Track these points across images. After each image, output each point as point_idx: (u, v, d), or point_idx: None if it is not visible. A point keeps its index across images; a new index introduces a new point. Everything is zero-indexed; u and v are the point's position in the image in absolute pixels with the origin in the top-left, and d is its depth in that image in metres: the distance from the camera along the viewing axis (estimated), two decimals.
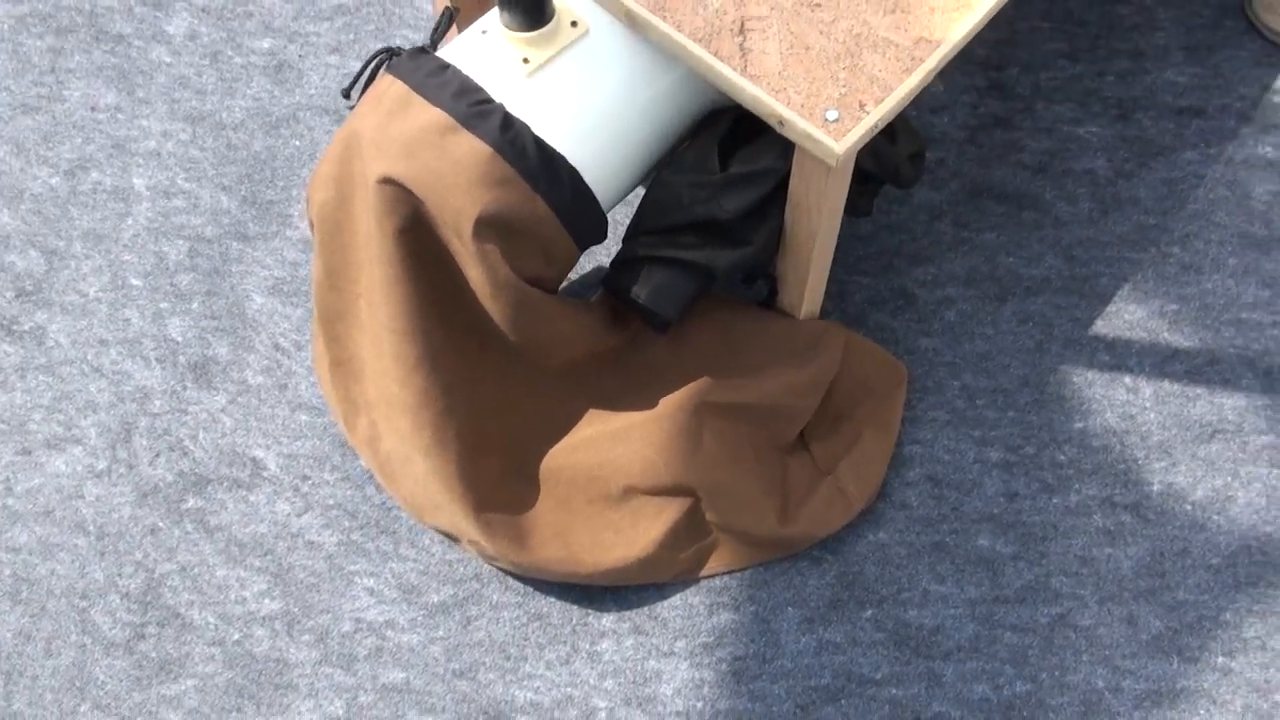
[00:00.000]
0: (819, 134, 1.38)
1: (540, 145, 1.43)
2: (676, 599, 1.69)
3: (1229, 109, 2.04)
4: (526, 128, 1.43)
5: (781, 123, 1.40)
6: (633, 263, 1.57)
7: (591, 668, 1.65)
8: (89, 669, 1.65)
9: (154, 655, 1.66)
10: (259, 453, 1.78)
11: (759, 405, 1.64)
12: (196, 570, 1.71)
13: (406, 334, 1.48)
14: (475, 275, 1.47)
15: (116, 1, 2.06)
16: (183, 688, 1.64)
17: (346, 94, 1.53)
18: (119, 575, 1.70)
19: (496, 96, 1.44)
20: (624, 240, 1.59)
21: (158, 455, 1.77)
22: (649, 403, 1.63)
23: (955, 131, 1.99)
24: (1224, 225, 1.95)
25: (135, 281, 1.88)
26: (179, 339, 1.85)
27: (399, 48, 1.51)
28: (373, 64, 1.54)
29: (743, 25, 1.45)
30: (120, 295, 1.87)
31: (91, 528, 1.73)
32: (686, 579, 1.68)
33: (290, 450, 1.77)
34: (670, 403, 1.61)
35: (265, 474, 1.77)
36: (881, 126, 1.41)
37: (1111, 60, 2.07)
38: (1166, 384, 1.84)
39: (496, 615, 1.67)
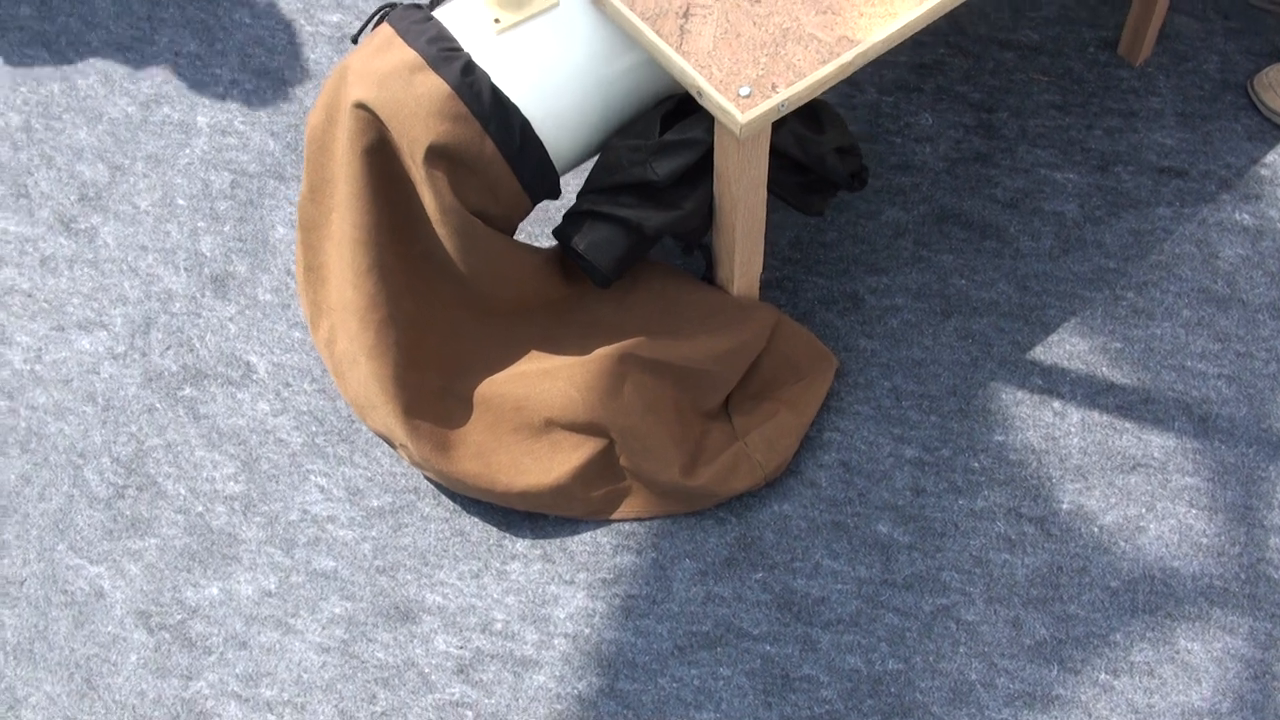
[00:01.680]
0: (729, 105, 1.54)
1: (496, 93, 1.63)
2: (586, 535, 1.83)
3: (1212, 174, 2.12)
4: (486, 76, 1.63)
5: (700, 93, 1.57)
6: (578, 216, 1.75)
7: (498, 584, 1.80)
8: (72, 516, 1.87)
9: (128, 513, 1.88)
10: (253, 358, 2.00)
11: (682, 366, 1.79)
12: (179, 448, 1.93)
13: (362, 243, 1.68)
14: (427, 199, 1.67)
15: None
16: (146, 544, 1.85)
17: (355, 40, 1.76)
18: (114, 442, 1.93)
19: (466, 47, 1.65)
20: (577, 196, 1.77)
21: (168, 348, 2.01)
22: (584, 350, 1.79)
23: (935, 162, 2.12)
24: (1185, 279, 2.02)
25: (181, 202, 2.14)
26: (207, 254, 2.09)
27: (398, 3, 1.74)
28: (376, 15, 1.77)
29: (688, 10, 1.63)
30: (166, 211, 2.13)
31: (100, 399, 1.97)
32: (598, 519, 1.82)
33: (280, 360, 1.99)
34: (601, 351, 1.77)
35: (254, 376, 1.98)
36: (790, 108, 1.56)
37: (1102, 116, 2.17)
38: (1096, 414, 1.92)
39: (424, 526, 1.84)
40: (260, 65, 2.26)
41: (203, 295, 2.06)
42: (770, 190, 1.78)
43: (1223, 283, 2.02)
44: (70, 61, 2.29)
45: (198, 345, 2.01)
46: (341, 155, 1.67)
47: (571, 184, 2.11)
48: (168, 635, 1.80)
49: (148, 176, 2.17)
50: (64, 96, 2.26)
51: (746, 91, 1.56)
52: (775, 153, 1.71)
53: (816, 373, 1.87)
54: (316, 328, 1.83)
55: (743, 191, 1.67)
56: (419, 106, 1.61)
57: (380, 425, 1.78)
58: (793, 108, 1.58)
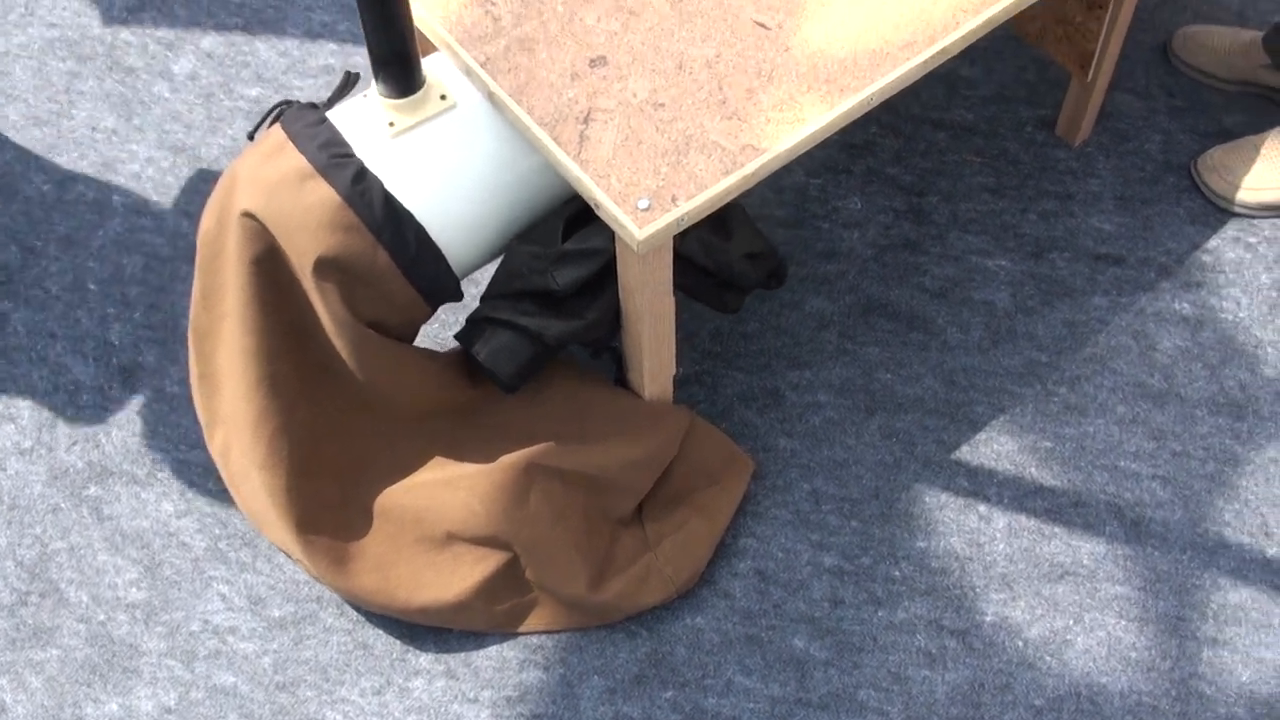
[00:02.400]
0: (626, 219, 1.48)
1: (389, 201, 1.57)
2: (492, 650, 1.77)
3: (1150, 261, 2.06)
4: (379, 183, 1.57)
5: (598, 206, 1.51)
6: (479, 322, 1.69)
7: (400, 701, 1.74)
8: None
9: (31, 622, 1.82)
10: (159, 455, 1.94)
11: (591, 474, 1.73)
12: (82, 552, 1.87)
13: (252, 353, 1.62)
14: (319, 311, 1.61)
15: (134, 38, 2.29)
16: (48, 655, 1.79)
17: (250, 136, 1.70)
18: (19, 545, 1.87)
19: (359, 152, 1.59)
20: (480, 299, 1.71)
21: (75, 443, 1.95)
22: (490, 456, 1.73)
23: (862, 249, 2.06)
24: (1120, 373, 1.97)
25: (92, 286, 2.08)
26: (117, 343, 2.03)
27: (295, 101, 1.68)
28: (273, 113, 1.71)
29: (589, 115, 1.57)
30: (77, 297, 2.07)
31: (6, 498, 1.91)
32: (504, 632, 1.77)
33: (184, 457, 1.93)
34: (506, 459, 1.71)
35: (160, 475, 1.92)
36: (691, 221, 1.51)
37: (1037, 200, 2.11)
38: (1023, 518, 1.86)
39: (326, 638, 1.78)
40: (177, 141, 2.20)
41: (110, 387, 2.00)
42: (681, 290, 1.72)
43: (1160, 376, 1.97)
44: None
45: (104, 441, 1.95)
46: (231, 264, 1.61)
47: (486, 274, 2.06)
48: None
49: (59, 259, 2.11)
50: None
51: (645, 204, 1.50)
52: (681, 258, 1.65)
53: (731, 477, 1.81)
54: (211, 437, 1.77)
55: (647, 302, 1.61)
56: (308, 217, 1.55)
57: (276, 539, 1.72)
58: (694, 220, 1.52)
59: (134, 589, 1.84)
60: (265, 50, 2.28)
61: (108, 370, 2.01)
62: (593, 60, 1.62)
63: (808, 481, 1.87)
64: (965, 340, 1.98)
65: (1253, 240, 2.10)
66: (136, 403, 1.98)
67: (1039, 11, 2.06)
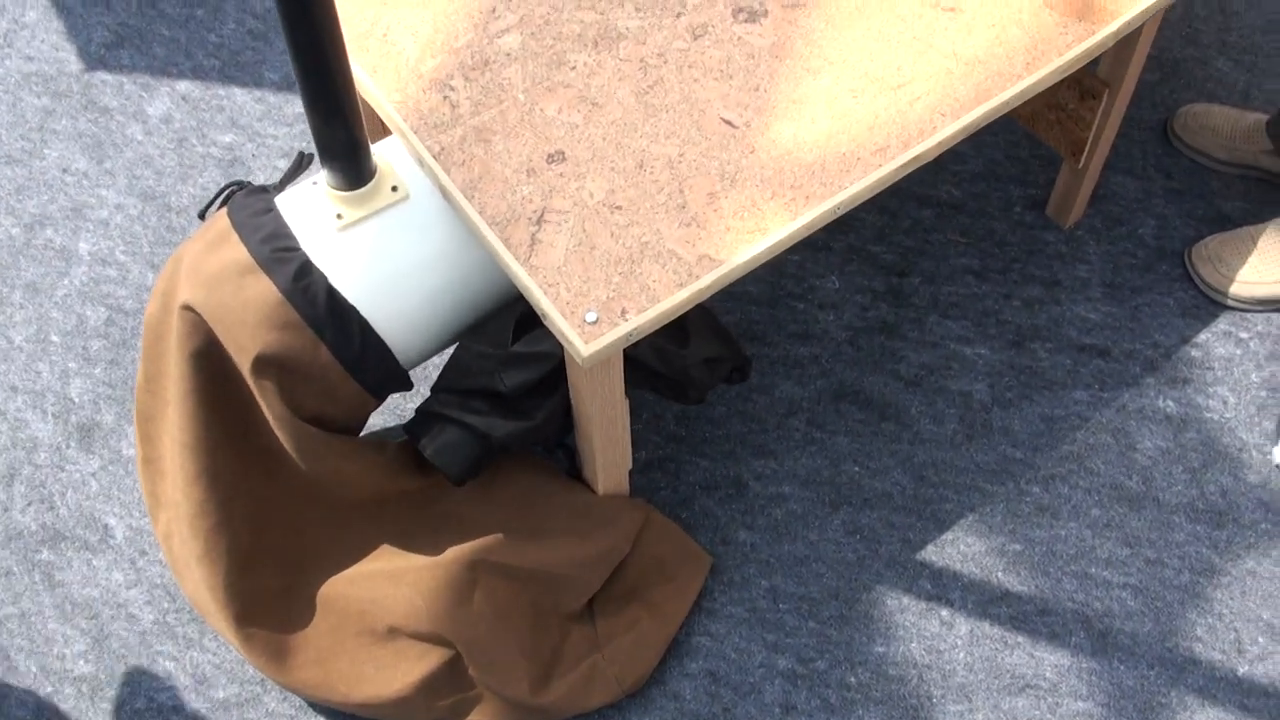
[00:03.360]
0: (572, 334, 1.43)
1: (332, 296, 1.53)
2: None
3: (1136, 354, 2.00)
4: (322, 278, 1.52)
5: (544, 315, 1.46)
6: (428, 416, 1.64)
7: None
8: None
9: None
10: (111, 520, 1.91)
11: (540, 571, 1.69)
12: (33, 619, 1.84)
13: (190, 447, 1.59)
14: (260, 405, 1.57)
15: (111, 76, 2.25)
16: None
17: (201, 215, 1.65)
18: None
19: (305, 246, 1.54)
20: (430, 392, 1.66)
21: (30, 504, 1.92)
22: (437, 549, 1.69)
23: (837, 331, 2.00)
24: (1097, 473, 1.91)
25: (55, 338, 2.05)
26: (76, 399, 2.00)
27: (246, 183, 1.63)
28: (224, 194, 1.67)
29: (542, 216, 1.52)
30: (39, 348, 2.04)
31: None
32: None
33: (138, 525, 1.90)
34: (452, 553, 1.67)
35: (111, 542, 1.89)
36: (641, 335, 1.45)
37: (1023, 285, 2.05)
38: (986, 625, 1.81)
39: None
40: (147, 188, 2.16)
41: (67, 446, 1.97)
42: (636, 388, 1.67)
43: (1138, 479, 1.91)
44: None
45: (58, 503, 1.92)
46: (172, 355, 1.57)
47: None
48: None
49: (24, 308, 2.08)
50: None
51: (593, 317, 1.45)
52: (634, 361, 1.60)
53: (687, 575, 1.77)
54: (156, 520, 1.74)
55: (596, 408, 1.56)
56: (246, 313, 1.51)
57: (217, 629, 1.69)
58: (644, 334, 1.47)
59: (82, 661, 1.81)
60: (241, 95, 2.23)
61: (66, 428, 1.98)
62: (551, 155, 1.57)
63: (766, 578, 1.82)
64: (938, 433, 1.93)
65: (1244, 336, 2.03)
66: (93, 464, 1.95)
67: None
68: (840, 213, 1.55)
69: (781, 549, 1.84)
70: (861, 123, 1.59)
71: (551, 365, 1.56)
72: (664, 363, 1.59)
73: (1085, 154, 1.94)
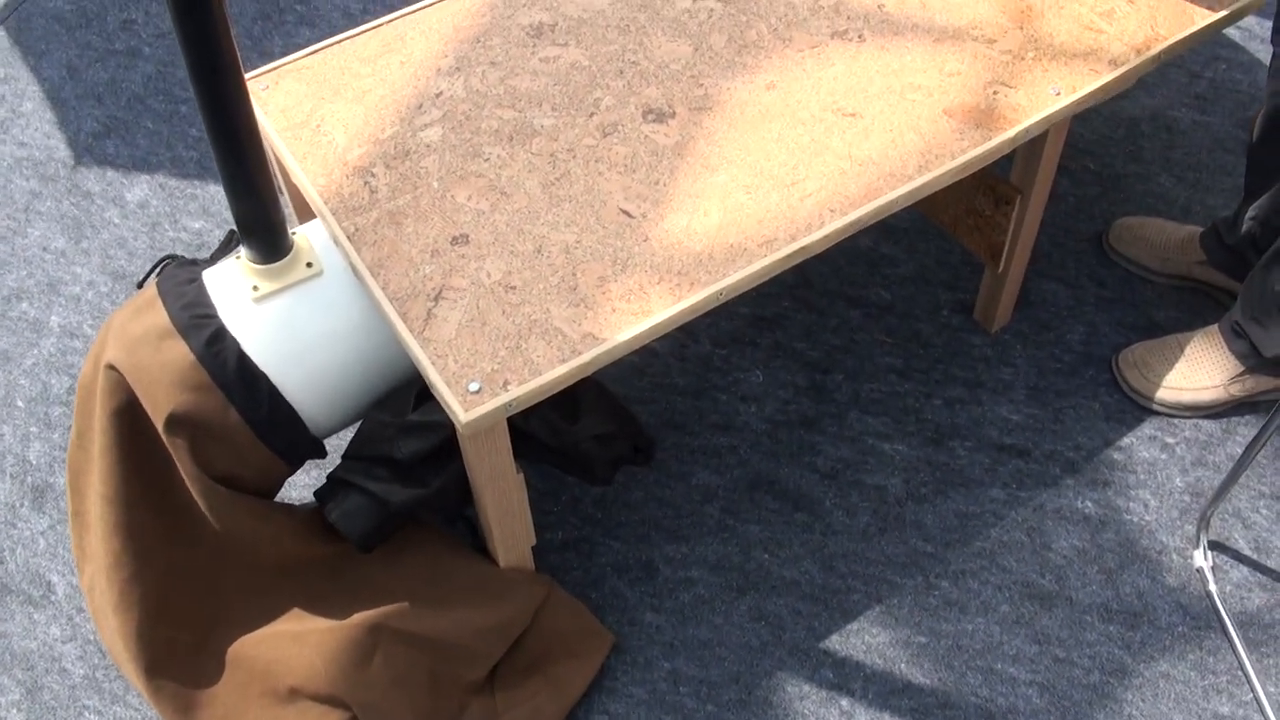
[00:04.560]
0: (453, 402, 1.51)
1: (243, 362, 1.62)
2: None
3: (1057, 456, 2.03)
4: (235, 344, 1.62)
5: (431, 385, 1.54)
6: (334, 482, 1.72)
7: None
8: None
9: None
10: (54, 577, 1.99)
11: (440, 640, 1.74)
12: None
13: (110, 500, 1.67)
14: (177, 464, 1.65)
15: (96, 164, 2.40)
16: None
17: (139, 285, 1.76)
18: None
19: (222, 314, 1.64)
20: (341, 457, 1.74)
21: None
22: (345, 613, 1.75)
23: (757, 423, 2.06)
24: (1009, 570, 1.93)
25: (20, 404, 2.16)
26: (33, 461, 2.10)
27: (180, 256, 1.74)
28: (159, 266, 1.78)
29: (440, 293, 1.61)
30: (4, 412, 2.15)
31: None
32: None
33: (77, 583, 1.98)
34: (356, 618, 1.72)
35: (52, 597, 1.97)
36: (521, 406, 1.52)
37: (945, 385, 2.09)
38: (886, 716, 1.82)
39: None
40: (118, 268, 2.29)
41: (21, 505, 2.06)
42: (536, 463, 1.73)
43: (1051, 577, 1.92)
44: None
45: (7, 558, 2.01)
46: (97, 412, 1.67)
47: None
48: None
49: None
50: None
51: (475, 388, 1.52)
52: (527, 436, 1.67)
53: (588, 651, 1.81)
54: (81, 571, 1.82)
55: (485, 478, 1.63)
56: (162, 374, 1.60)
57: (130, 679, 1.76)
58: (525, 405, 1.54)
59: (15, 710, 1.88)
60: (214, 186, 2.37)
61: (21, 488, 2.08)
62: (455, 238, 1.66)
63: (669, 660, 1.86)
64: (850, 525, 1.96)
65: (1170, 440, 2.06)
66: (42, 523, 2.04)
67: (950, 200, 2.06)
68: (723, 299, 1.62)
69: (686, 632, 1.88)
70: (752, 216, 1.67)
71: (444, 435, 1.63)
72: (555, 437, 1.66)
73: (1004, 258, 2.00)
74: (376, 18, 2.56)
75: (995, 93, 1.79)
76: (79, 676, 1.90)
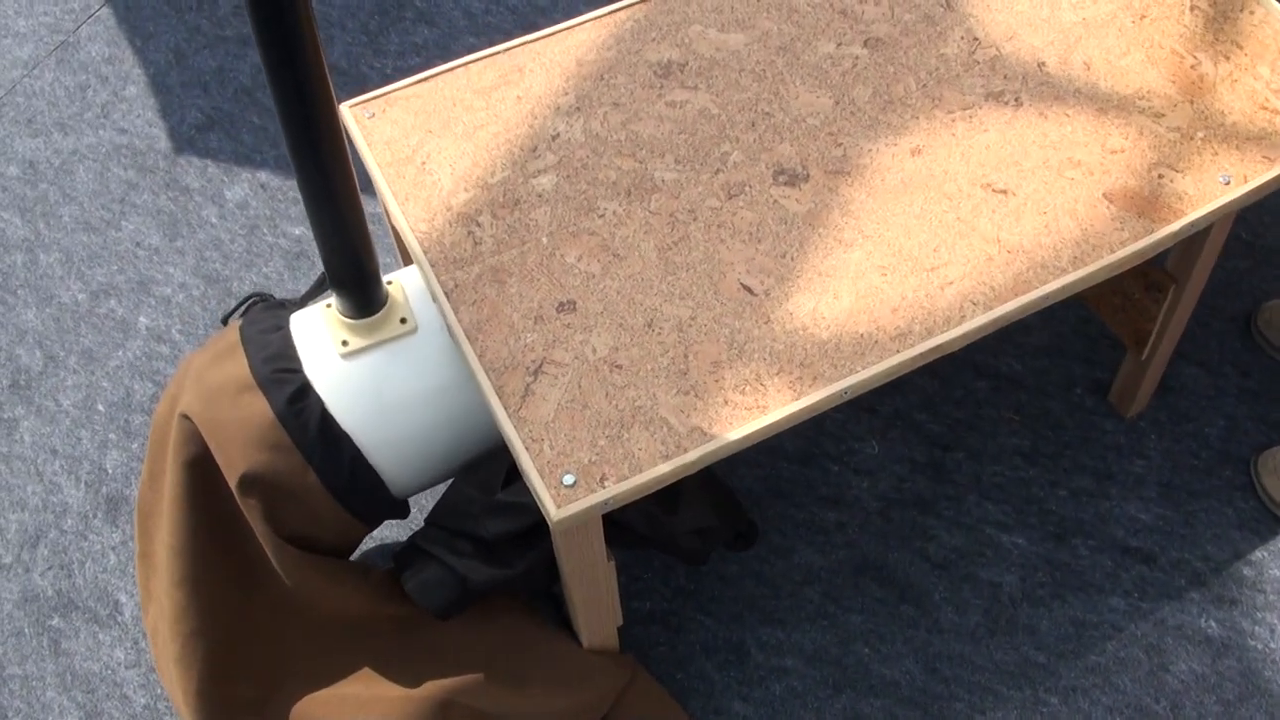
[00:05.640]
0: (546, 496, 1.39)
1: (326, 423, 1.52)
2: None
3: (1184, 565, 1.86)
4: (319, 404, 1.52)
5: (524, 472, 1.43)
6: (414, 550, 1.62)
7: None
8: None
9: None
10: (123, 597, 1.93)
11: (513, 719, 1.64)
12: (34, 684, 1.87)
13: (176, 551, 1.59)
14: (247, 520, 1.57)
15: (196, 157, 2.31)
16: None
17: (224, 320, 1.67)
18: None
19: (307, 369, 1.54)
20: (424, 522, 1.64)
21: (50, 568, 1.96)
22: (415, 680, 1.66)
23: (869, 500, 1.92)
24: (1122, 691, 1.78)
25: (100, 408, 2.10)
26: (110, 471, 2.04)
27: (268, 296, 1.65)
28: (247, 303, 1.68)
29: (540, 367, 1.49)
30: (84, 415, 2.09)
31: None
32: None
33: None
34: (426, 689, 1.63)
35: (119, 619, 1.92)
36: (614, 505, 1.41)
37: (1073, 475, 1.94)
38: None
39: None
40: (213, 271, 2.21)
41: (94, 516, 2.00)
42: (625, 549, 1.62)
43: (1166, 704, 1.77)
44: (38, 233, 2.28)
45: (76, 572, 1.96)
46: (169, 459, 1.58)
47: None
48: None
49: (77, 373, 2.13)
50: (24, 270, 2.24)
51: (570, 481, 1.41)
52: (620, 525, 1.56)
53: None
54: (146, 612, 1.75)
55: (575, 568, 1.52)
56: (239, 431, 1.51)
57: None
58: (621, 504, 1.42)
59: None
60: None
61: (96, 498, 2.02)
62: (562, 304, 1.54)
63: None
64: (959, 623, 1.82)
65: None
66: (115, 537, 1.98)
67: None
68: (847, 397, 1.48)
69: None
70: (886, 303, 1.52)
71: (535, 518, 1.52)
72: (651, 528, 1.54)
73: (1149, 347, 1.84)
74: (497, 19, 2.44)
75: (1160, 176, 1.61)
76: (139, 706, 1.84)
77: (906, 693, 1.78)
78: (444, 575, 1.59)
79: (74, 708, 1.84)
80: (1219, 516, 1.90)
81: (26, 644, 1.89)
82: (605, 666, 1.69)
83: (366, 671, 1.69)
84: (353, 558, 1.89)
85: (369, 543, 1.94)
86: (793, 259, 1.57)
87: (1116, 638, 1.81)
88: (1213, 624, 1.82)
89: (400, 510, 1.65)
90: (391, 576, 1.70)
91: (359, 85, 2.44)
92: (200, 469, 1.57)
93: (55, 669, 1.87)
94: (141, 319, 2.17)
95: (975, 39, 1.76)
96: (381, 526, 1.95)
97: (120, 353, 2.15)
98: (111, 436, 2.07)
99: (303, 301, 1.66)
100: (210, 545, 1.61)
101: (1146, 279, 1.80)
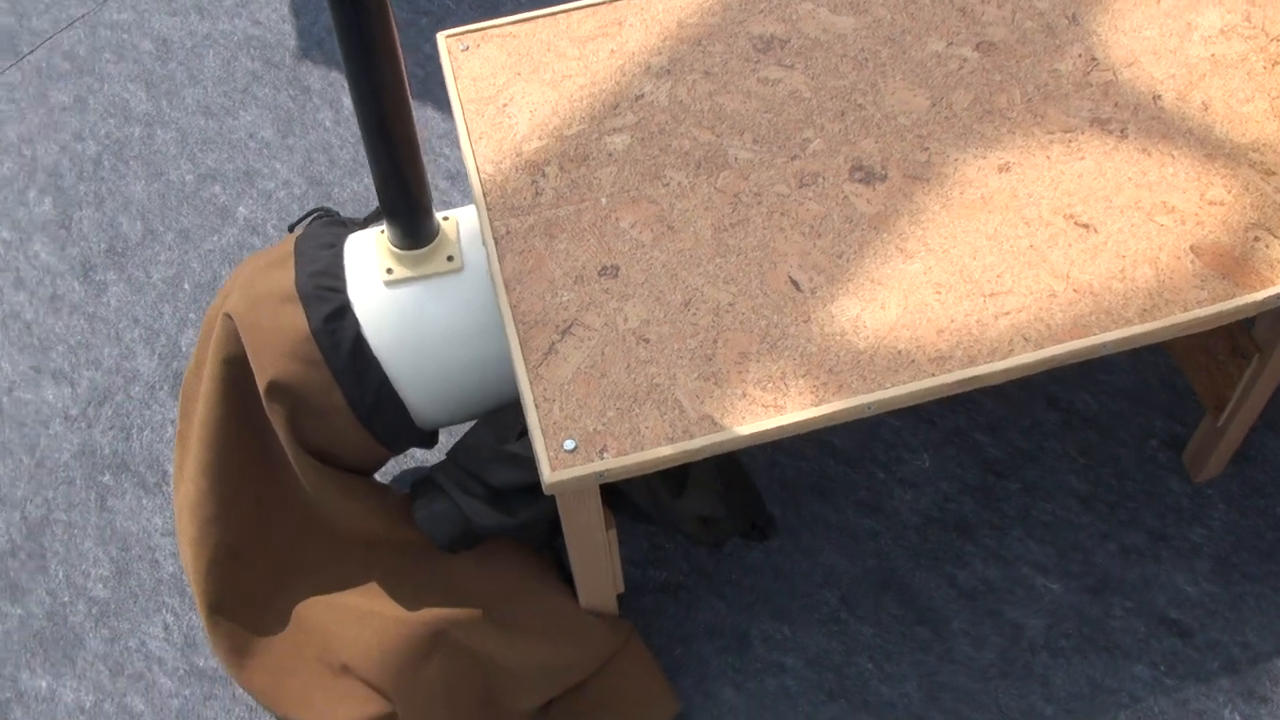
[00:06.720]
0: (543, 455, 1.39)
1: (358, 346, 1.54)
2: None
3: (1219, 649, 1.77)
4: (354, 326, 1.54)
5: (528, 429, 1.43)
6: (429, 483, 1.64)
7: None
8: None
9: (11, 575, 1.93)
10: (171, 469, 2.01)
11: (500, 664, 1.66)
12: (75, 531, 1.96)
13: (205, 442, 1.64)
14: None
15: (323, 57, 2.34)
16: (13, 612, 1.90)
17: (291, 228, 1.70)
18: (30, 501, 1.99)
19: (350, 291, 1.56)
20: (446, 454, 1.66)
21: (111, 428, 2.05)
22: (416, 605, 1.69)
23: (909, 514, 1.86)
24: None
25: (186, 287, 2.17)
26: (183, 349, 2.11)
27: (334, 212, 1.67)
28: (311, 216, 1.71)
29: (569, 328, 1.48)
30: (170, 291, 2.16)
31: (38, 454, 2.03)
32: None
33: None
34: (424, 614, 1.66)
35: (164, 489, 1.99)
36: (610, 479, 1.39)
37: (1127, 530, 1.85)
38: None
39: (229, 707, 1.80)
40: (317, 174, 2.25)
41: (160, 388, 2.08)
42: (633, 521, 1.61)
43: None
44: (160, 110, 2.35)
45: (134, 437, 2.04)
46: (210, 353, 1.63)
47: None
48: None
49: (171, 250, 2.20)
50: (140, 143, 2.32)
51: (570, 446, 1.40)
52: (624, 497, 1.54)
53: (651, 713, 1.70)
54: (176, 489, 1.81)
55: (573, 531, 1.52)
56: (275, 339, 1.54)
57: (197, 610, 1.75)
58: (617, 479, 1.41)
59: (101, 585, 1.92)
60: (432, 110, 2.29)
61: (165, 372, 2.09)
62: (605, 268, 1.52)
63: None
64: (972, 658, 1.77)
65: None
66: (175, 413, 2.05)
67: None
68: (870, 413, 1.43)
69: None
70: (933, 324, 1.47)
71: (539, 474, 1.52)
72: (654, 507, 1.53)
73: (1227, 413, 1.73)
74: None
75: (1256, 239, 1.51)
76: (167, 572, 1.91)
77: (901, 715, 1.74)
78: (451, 511, 1.60)
79: (107, 561, 1.93)
80: (1269, 605, 1.79)
81: (76, 494, 1.98)
82: (599, 629, 1.68)
83: (372, 587, 1.73)
84: (381, 480, 1.93)
85: (399, 467, 1.97)
86: (849, 260, 1.52)
87: (1132, 708, 1.73)
88: (1236, 717, 1.72)
89: (426, 440, 1.67)
90: (407, 502, 1.73)
91: (487, 9, 2.43)
92: (236, 368, 1.61)
93: (97, 522, 1.96)
94: (241, 208, 2.23)
95: (1094, 59, 1.66)
96: (415, 454, 1.98)
97: (215, 238, 2.21)
98: (191, 316, 2.14)
99: (364, 224, 1.68)
100: (237, 442, 1.65)
101: (1232, 342, 1.69)
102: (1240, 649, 1.76)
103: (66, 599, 1.90)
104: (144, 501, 1.98)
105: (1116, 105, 1.63)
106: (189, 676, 1.83)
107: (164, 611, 1.89)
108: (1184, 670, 1.75)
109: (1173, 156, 1.58)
